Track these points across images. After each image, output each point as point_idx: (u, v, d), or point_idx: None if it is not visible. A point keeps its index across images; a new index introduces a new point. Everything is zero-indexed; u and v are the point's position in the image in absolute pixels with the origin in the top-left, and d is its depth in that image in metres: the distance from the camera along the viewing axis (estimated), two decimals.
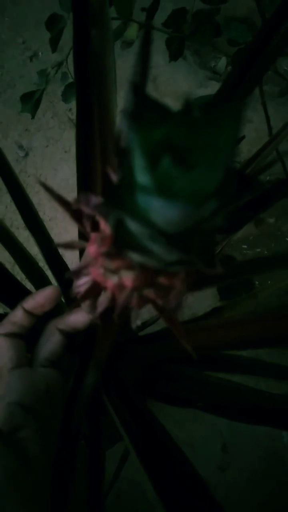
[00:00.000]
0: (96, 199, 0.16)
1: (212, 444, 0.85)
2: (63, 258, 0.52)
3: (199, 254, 0.13)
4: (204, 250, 0.14)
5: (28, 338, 0.35)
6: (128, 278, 0.18)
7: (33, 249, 0.50)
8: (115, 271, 0.18)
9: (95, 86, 0.31)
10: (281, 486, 0.81)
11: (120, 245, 0.14)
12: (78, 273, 0.20)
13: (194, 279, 0.19)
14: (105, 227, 0.18)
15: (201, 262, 0.13)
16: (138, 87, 0.11)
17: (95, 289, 0.20)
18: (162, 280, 0.18)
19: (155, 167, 0.11)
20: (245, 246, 0.99)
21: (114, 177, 0.18)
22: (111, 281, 0.19)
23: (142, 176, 0.11)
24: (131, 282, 0.18)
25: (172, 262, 0.14)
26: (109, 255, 0.17)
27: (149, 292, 0.18)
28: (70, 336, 0.35)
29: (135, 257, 0.15)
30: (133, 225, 0.13)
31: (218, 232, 0.14)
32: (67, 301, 0.45)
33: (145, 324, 0.53)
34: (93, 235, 0.19)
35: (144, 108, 0.11)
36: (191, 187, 0.11)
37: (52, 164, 1.05)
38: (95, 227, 0.19)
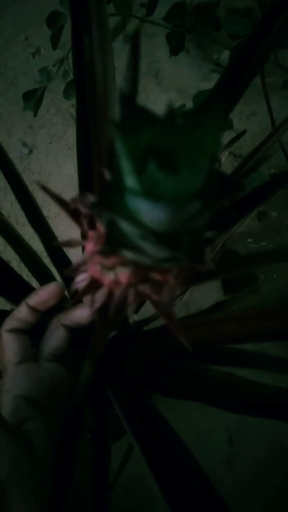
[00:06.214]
0: (91, 199, 0.17)
1: (219, 436, 0.85)
2: (67, 254, 0.52)
3: (187, 252, 0.14)
4: (193, 248, 0.14)
5: (33, 333, 0.35)
6: (123, 274, 0.18)
7: (39, 246, 0.50)
8: (111, 268, 0.19)
9: (92, 85, 0.31)
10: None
11: (113, 243, 0.15)
12: (77, 270, 0.20)
13: (191, 274, 0.20)
14: (100, 225, 0.19)
15: (188, 259, 0.14)
16: (125, 96, 0.11)
17: (93, 285, 0.20)
18: (156, 276, 0.19)
19: (141, 171, 0.11)
20: (250, 240, 0.99)
21: (107, 178, 0.19)
22: (108, 277, 0.19)
23: (129, 180, 0.12)
24: (126, 278, 0.18)
25: (163, 259, 0.15)
26: (103, 252, 0.17)
27: (144, 288, 0.19)
28: (74, 331, 0.36)
29: (128, 254, 0.15)
30: (124, 225, 0.14)
31: (206, 230, 0.14)
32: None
33: (150, 319, 0.54)
34: (90, 233, 0.19)
35: (131, 115, 0.11)
36: (176, 190, 0.11)
37: (56, 160, 1.05)
38: (93, 225, 0.20)
